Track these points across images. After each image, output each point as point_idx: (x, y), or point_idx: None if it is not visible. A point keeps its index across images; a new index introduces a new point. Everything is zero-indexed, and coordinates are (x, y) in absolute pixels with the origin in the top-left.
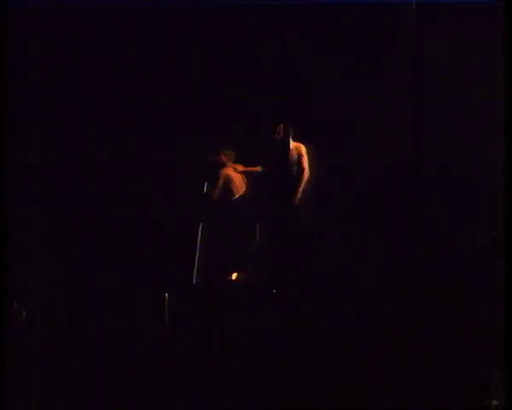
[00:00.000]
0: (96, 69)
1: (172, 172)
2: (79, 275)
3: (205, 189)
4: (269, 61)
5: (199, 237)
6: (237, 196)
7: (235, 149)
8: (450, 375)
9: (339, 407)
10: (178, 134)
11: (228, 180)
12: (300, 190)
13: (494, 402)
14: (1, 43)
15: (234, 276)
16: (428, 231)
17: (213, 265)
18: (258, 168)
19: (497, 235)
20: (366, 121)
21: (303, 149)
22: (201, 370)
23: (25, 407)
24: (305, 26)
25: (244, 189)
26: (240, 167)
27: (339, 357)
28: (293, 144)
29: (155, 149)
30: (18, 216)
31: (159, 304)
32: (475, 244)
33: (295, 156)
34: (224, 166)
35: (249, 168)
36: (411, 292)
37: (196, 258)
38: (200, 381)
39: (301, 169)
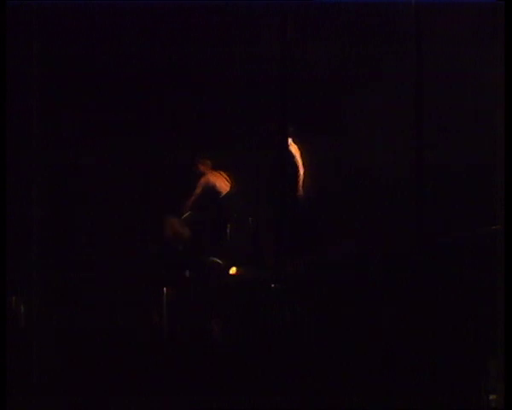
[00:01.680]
0: (97, 69)
1: (172, 172)
2: (79, 273)
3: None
4: (269, 61)
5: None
6: (223, 194)
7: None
8: (450, 371)
9: (339, 406)
10: (178, 134)
11: (209, 187)
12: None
13: (492, 396)
14: (1, 44)
15: (231, 271)
16: (428, 231)
17: (208, 261)
18: None
19: (497, 229)
20: (366, 121)
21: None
22: (201, 366)
23: (25, 406)
24: (305, 25)
25: (228, 189)
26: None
27: (338, 355)
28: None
29: (155, 149)
30: (18, 214)
31: (158, 300)
32: (476, 241)
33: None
34: (203, 174)
35: None
36: (411, 291)
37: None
38: (199, 379)
39: None
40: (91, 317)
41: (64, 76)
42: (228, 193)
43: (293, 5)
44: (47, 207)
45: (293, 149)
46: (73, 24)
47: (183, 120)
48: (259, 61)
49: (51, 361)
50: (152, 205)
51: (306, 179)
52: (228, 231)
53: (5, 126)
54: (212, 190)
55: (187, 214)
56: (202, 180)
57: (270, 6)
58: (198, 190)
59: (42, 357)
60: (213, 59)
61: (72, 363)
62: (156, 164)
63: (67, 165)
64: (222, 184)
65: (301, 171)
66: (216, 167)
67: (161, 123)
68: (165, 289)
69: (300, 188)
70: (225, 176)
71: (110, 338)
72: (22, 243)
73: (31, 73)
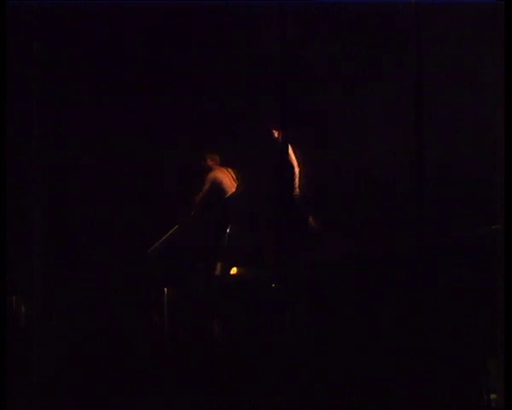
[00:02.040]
0: (97, 69)
1: (172, 172)
2: (79, 273)
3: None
4: (269, 61)
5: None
6: (229, 194)
7: (221, 153)
8: (450, 371)
9: (339, 406)
10: (178, 135)
11: (216, 183)
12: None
13: (493, 396)
14: (1, 43)
15: (232, 271)
16: (428, 231)
17: (211, 261)
18: None
19: (497, 229)
20: (366, 121)
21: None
22: (201, 366)
23: (25, 406)
24: (306, 25)
25: (234, 188)
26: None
27: (338, 355)
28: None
29: (155, 149)
30: (18, 214)
31: (158, 300)
32: (476, 241)
33: None
34: (211, 170)
35: None
36: (411, 291)
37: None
38: (199, 379)
39: None
40: (91, 317)
41: (64, 76)
42: (233, 194)
43: (293, 5)
44: (47, 207)
45: (289, 148)
46: (73, 24)
47: (183, 120)
48: (259, 61)
49: (51, 361)
50: (152, 205)
51: (306, 179)
52: (228, 231)
53: (5, 126)
54: (219, 188)
55: (193, 213)
56: (210, 175)
57: (270, 6)
58: (206, 186)
59: (42, 357)
60: (213, 59)
61: (72, 363)
62: (156, 164)
63: (67, 165)
64: (228, 182)
65: (297, 170)
66: (224, 164)
67: (161, 123)
68: (165, 289)
69: (297, 187)
70: (232, 174)
71: (110, 338)
72: (22, 243)
73: (31, 73)
